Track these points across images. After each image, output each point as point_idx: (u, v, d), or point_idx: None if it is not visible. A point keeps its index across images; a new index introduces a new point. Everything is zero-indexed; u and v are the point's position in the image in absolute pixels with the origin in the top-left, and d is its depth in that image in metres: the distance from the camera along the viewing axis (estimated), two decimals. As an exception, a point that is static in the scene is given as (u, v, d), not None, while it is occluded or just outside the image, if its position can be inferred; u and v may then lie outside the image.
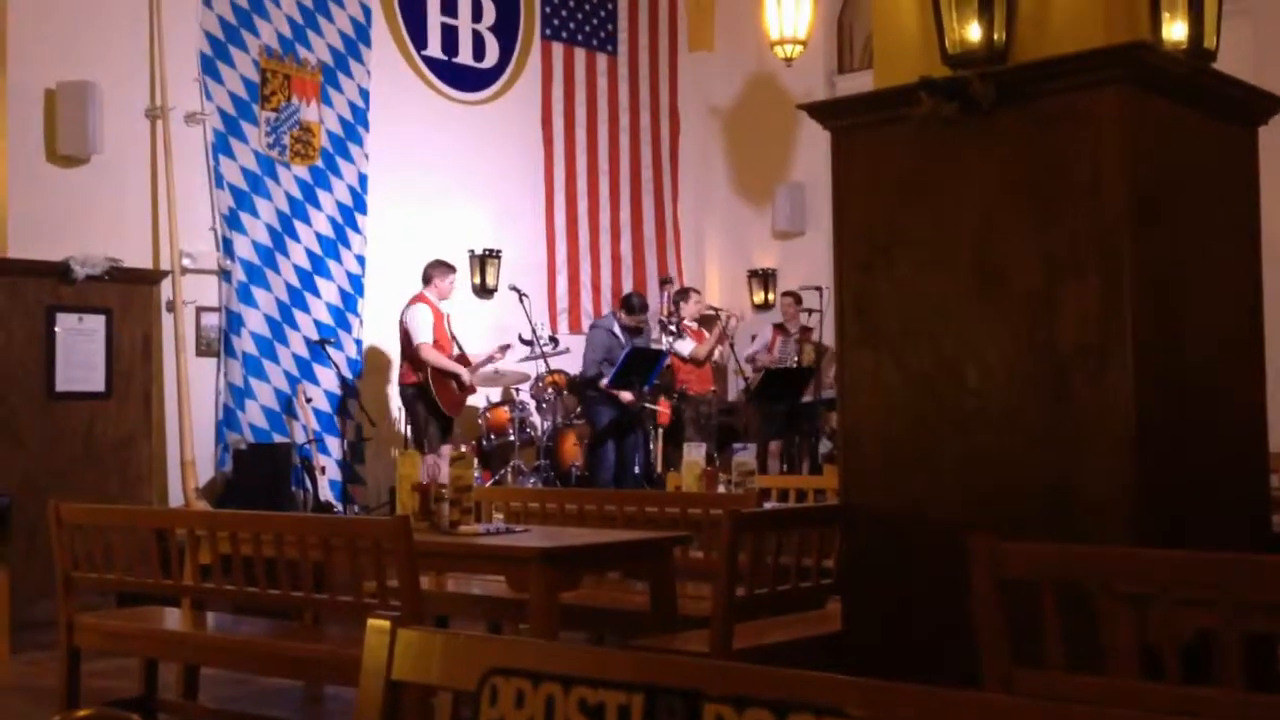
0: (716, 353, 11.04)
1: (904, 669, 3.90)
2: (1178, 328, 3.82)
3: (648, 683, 1.45)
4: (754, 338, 11.52)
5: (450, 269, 9.60)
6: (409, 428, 9.42)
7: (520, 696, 1.51)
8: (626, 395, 9.83)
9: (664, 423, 10.33)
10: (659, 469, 9.97)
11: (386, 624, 1.73)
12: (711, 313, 11.14)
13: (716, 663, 1.65)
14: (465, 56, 11.12)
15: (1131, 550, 3.24)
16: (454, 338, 9.47)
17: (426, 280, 9.45)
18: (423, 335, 9.20)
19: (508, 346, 9.66)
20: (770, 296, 12.30)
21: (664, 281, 11.94)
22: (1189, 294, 3.88)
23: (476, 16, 11.25)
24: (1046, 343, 3.73)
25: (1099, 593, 2.68)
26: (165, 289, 8.74)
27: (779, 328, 11.34)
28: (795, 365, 10.71)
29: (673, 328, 10.64)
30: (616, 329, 10.29)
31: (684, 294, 11.07)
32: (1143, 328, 3.61)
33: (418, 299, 9.37)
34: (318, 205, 9.79)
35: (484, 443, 9.83)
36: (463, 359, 9.40)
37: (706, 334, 10.85)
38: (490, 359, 9.51)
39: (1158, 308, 3.70)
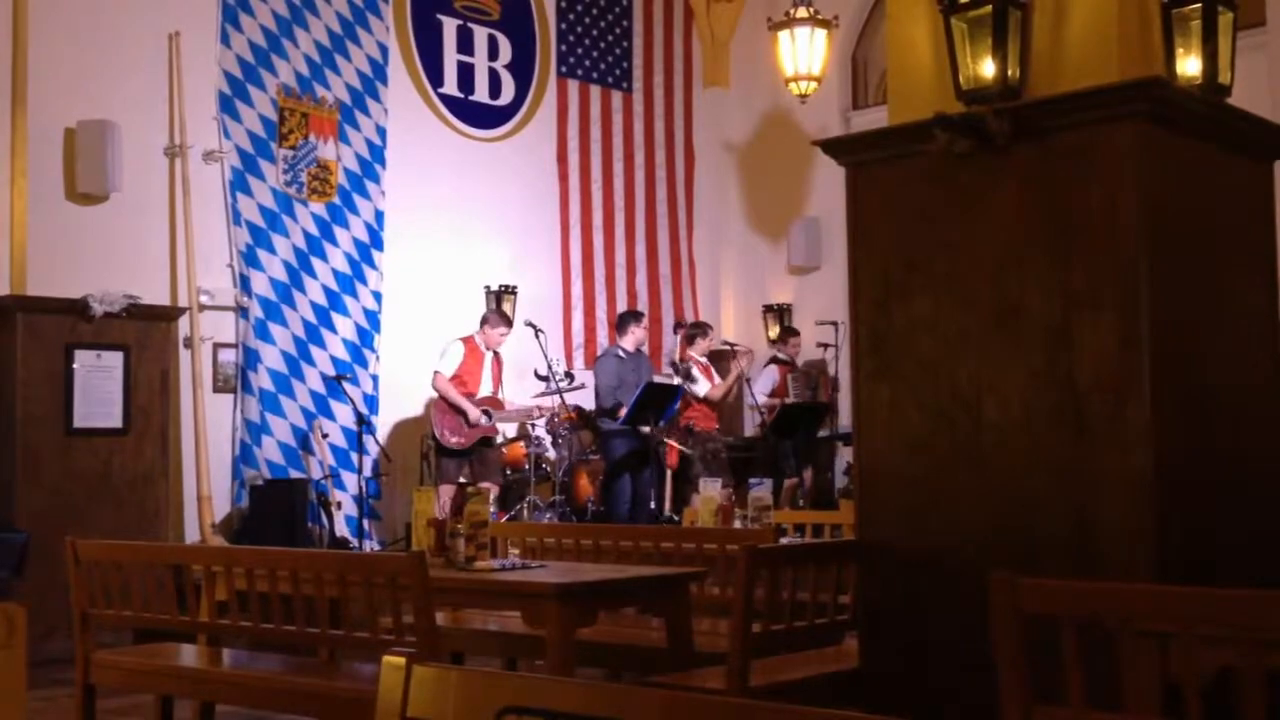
0: (732, 392, 11.01)
1: (923, 707, 3.87)
2: (1196, 362, 3.80)
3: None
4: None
5: (504, 321, 9.85)
6: (424, 462, 9.45)
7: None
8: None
9: (672, 465, 10.23)
10: (665, 509, 9.80)
11: (402, 661, 1.73)
12: (725, 347, 11.08)
13: (733, 701, 1.64)
14: (481, 94, 11.18)
15: (1152, 587, 3.21)
16: (497, 379, 9.70)
17: (482, 322, 9.78)
18: (441, 365, 9.50)
19: (542, 415, 9.87)
20: (787, 331, 12.30)
21: (678, 325, 11.87)
22: (1207, 328, 3.87)
23: (493, 55, 11.31)
24: (1064, 377, 3.71)
25: (1119, 630, 2.66)
26: (183, 326, 8.79)
27: (784, 364, 11.30)
28: (810, 401, 10.68)
29: (683, 368, 10.59)
30: (620, 352, 10.30)
31: (700, 330, 11.02)
32: (1161, 362, 3.60)
33: (464, 338, 9.67)
34: (335, 242, 9.84)
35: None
36: (493, 402, 9.49)
37: (714, 370, 10.81)
38: (528, 414, 9.80)
39: (1176, 342, 3.69)
